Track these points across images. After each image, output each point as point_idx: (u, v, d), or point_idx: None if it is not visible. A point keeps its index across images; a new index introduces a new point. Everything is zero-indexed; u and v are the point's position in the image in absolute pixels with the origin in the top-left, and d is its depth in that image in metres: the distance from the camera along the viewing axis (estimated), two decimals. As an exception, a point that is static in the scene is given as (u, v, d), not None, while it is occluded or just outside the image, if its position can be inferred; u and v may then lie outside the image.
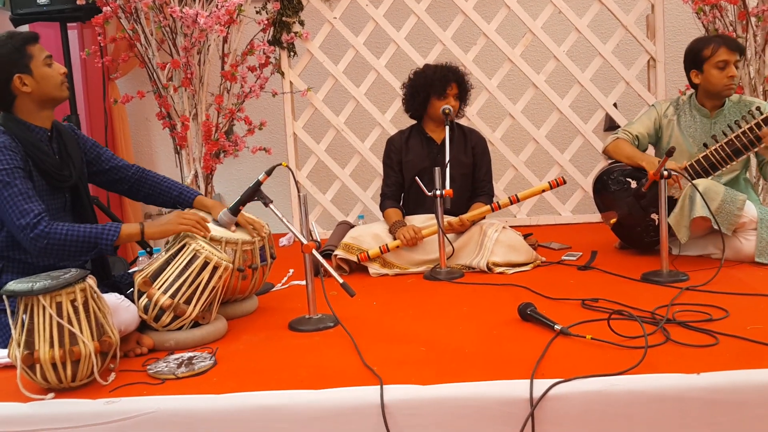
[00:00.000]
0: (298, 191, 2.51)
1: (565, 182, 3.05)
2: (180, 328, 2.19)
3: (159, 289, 2.17)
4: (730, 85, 2.88)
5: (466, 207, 3.19)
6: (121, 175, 2.50)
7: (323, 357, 2.02)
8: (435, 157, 3.20)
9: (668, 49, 4.06)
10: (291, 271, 3.19)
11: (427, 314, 2.40)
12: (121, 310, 2.09)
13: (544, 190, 3.11)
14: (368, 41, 4.13)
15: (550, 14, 4.03)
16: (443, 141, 3.09)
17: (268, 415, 1.70)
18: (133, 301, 2.20)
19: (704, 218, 2.71)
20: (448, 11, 4.23)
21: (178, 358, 2.02)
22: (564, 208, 4.17)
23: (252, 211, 2.58)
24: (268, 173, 2.37)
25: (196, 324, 2.22)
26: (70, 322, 1.81)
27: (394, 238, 3.06)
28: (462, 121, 3.41)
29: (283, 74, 4.13)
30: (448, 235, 2.99)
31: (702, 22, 3.73)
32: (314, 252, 2.27)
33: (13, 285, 1.81)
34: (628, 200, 3.05)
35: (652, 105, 3.19)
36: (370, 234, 3.12)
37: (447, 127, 3.08)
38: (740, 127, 2.82)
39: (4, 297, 1.83)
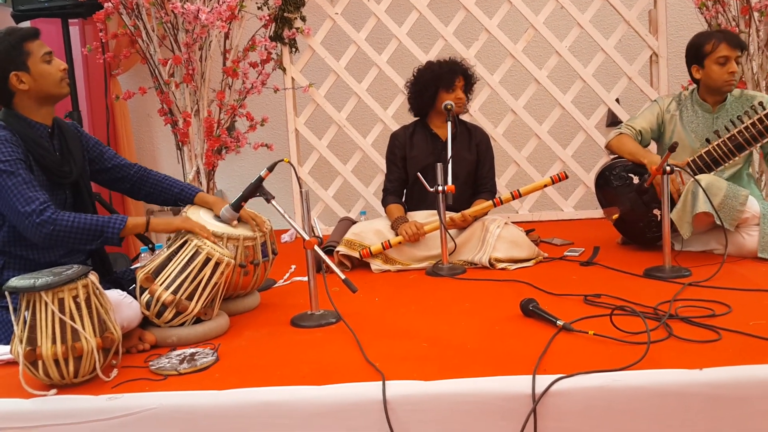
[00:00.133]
0: (300, 187, 2.51)
1: (567, 177, 3.05)
2: (182, 324, 2.19)
3: (161, 285, 2.17)
4: (730, 81, 2.88)
5: (468, 204, 3.19)
6: (123, 174, 2.50)
7: (325, 353, 2.02)
8: (440, 154, 3.19)
9: (671, 44, 4.05)
10: (293, 267, 3.19)
11: (429, 310, 2.40)
12: (123, 307, 2.09)
13: (546, 185, 3.12)
14: (370, 37, 4.12)
15: (552, 9, 4.02)
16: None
17: (271, 411, 1.70)
18: (135, 297, 2.20)
19: (707, 214, 2.70)
20: (450, 7, 4.22)
21: (180, 354, 2.02)
22: (566, 203, 4.17)
23: (254, 208, 2.58)
24: (270, 169, 2.37)
25: (198, 320, 2.22)
26: (72, 318, 1.81)
27: (397, 234, 3.07)
28: (464, 117, 3.41)
29: (284, 70, 4.13)
30: (450, 231, 2.99)
31: (705, 17, 3.72)
32: (316, 248, 2.27)
33: (15, 281, 1.81)
34: (631, 196, 3.04)
35: (655, 100, 3.18)
36: (372, 230, 3.12)
37: (449, 123, 3.08)
38: (743, 122, 2.81)
39: (6, 293, 1.83)
